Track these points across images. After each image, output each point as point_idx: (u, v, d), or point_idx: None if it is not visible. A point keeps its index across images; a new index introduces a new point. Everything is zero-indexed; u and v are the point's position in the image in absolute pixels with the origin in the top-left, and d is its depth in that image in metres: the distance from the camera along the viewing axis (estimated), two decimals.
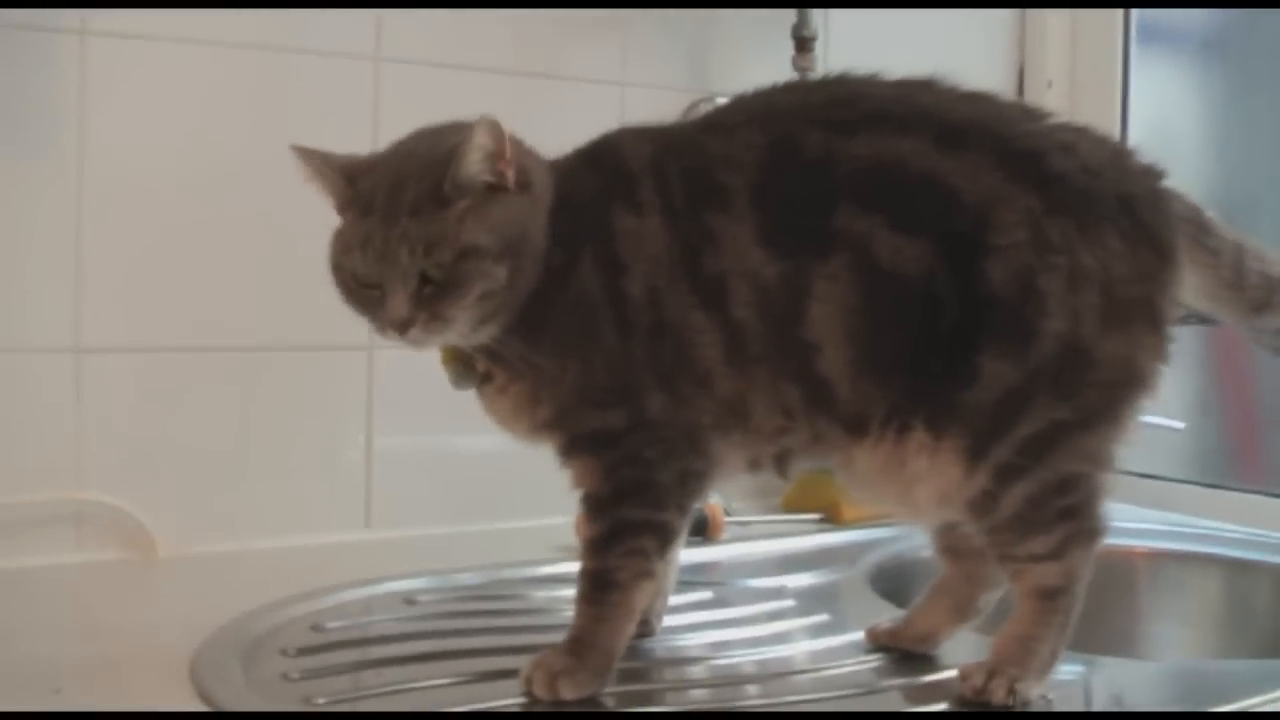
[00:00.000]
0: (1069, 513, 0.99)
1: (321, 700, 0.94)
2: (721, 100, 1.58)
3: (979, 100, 1.04)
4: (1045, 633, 1.00)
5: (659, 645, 1.12)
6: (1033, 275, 0.95)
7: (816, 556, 1.42)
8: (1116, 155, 1.01)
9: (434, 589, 1.24)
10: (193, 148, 1.32)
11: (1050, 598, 0.99)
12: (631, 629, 1.01)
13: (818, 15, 1.63)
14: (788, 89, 1.07)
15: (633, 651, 1.09)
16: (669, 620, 1.15)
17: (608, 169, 1.03)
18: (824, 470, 1.53)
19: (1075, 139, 1.01)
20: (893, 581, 1.39)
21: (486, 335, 0.97)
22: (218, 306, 1.34)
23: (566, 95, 1.50)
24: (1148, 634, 1.54)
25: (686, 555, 1.18)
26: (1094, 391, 0.97)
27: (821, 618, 1.21)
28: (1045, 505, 0.98)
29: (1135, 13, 1.84)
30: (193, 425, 1.34)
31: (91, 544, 1.28)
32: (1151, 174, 1.01)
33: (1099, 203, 0.97)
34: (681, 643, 1.13)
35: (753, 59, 1.62)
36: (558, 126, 1.40)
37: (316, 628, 1.11)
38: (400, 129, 1.38)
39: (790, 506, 1.60)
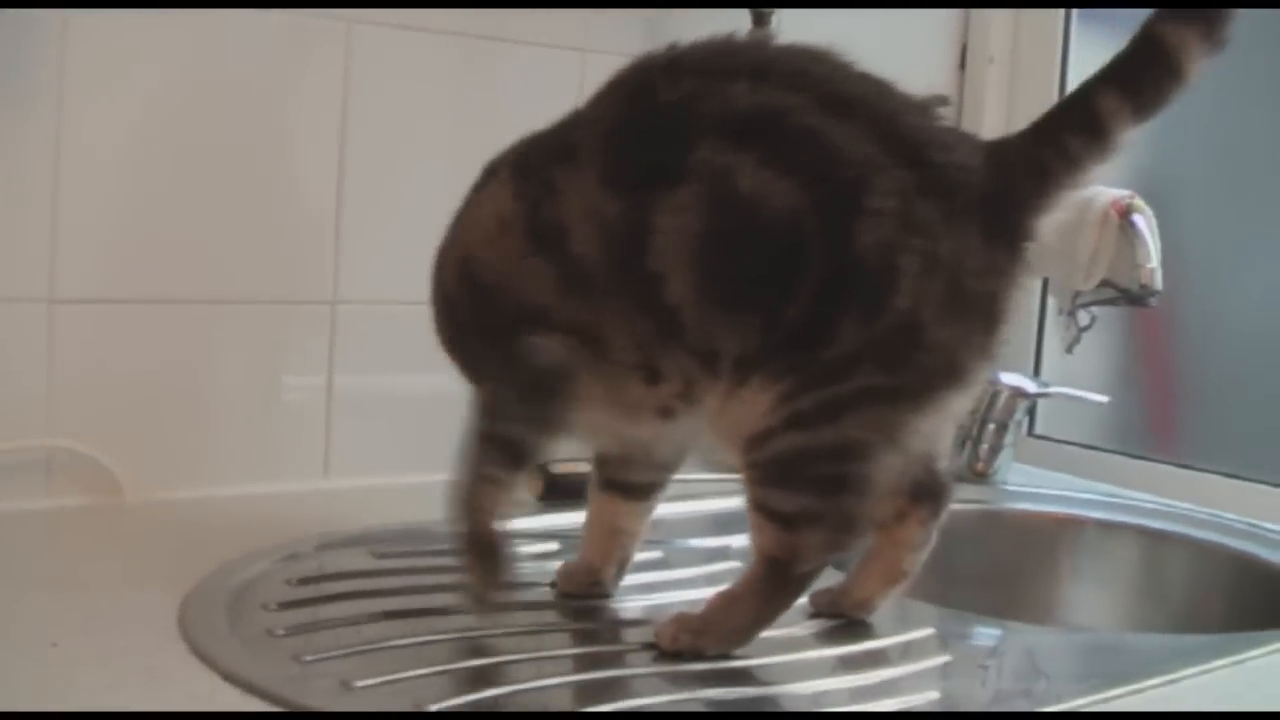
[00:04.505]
0: (822, 484, 1.00)
1: (309, 657, 0.98)
2: None
3: (873, 82, 1.05)
4: (750, 600, 1.03)
5: (614, 606, 1.17)
6: (894, 252, 0.97)
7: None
8: (990, 158, 1.02)
9: (398, 537, 1.29)
10: (164, 105, 1.35)
11: (770, 567, 1.02)
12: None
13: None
14: (672, 50, 1.07)
15: (587, 612, 1.15)
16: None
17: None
18: None
19: (955, 140, 1.03)
20: None
21: None
22: (186, 260, 1.37)
23: (526, 60, 1.53)
24: (1065, 599, 1.62)
25: None
26: (913, 372, 0.98)
27: None
28: (803, 465, 0.99)
29: None
30: (161, 376, 1.37)
31: (61, 490, 1.31)
32: (1022, 179, 1.01)
33: (966, 195, 0.98)
34: (632, 604, 1.17)
35: (711, 27, 1.65)
36: (518, 93, 1.44)
37: (290, 581, 1.14)
38: (375, 92, 1.42)
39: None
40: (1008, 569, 1.61)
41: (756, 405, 1.00)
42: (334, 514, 1.35)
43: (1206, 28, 0.98)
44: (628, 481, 1.17)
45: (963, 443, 1.72)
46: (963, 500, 1.62)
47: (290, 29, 1.40)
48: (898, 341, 0.97)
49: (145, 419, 1.36)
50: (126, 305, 1.34)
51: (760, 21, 1.63)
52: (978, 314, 0.99)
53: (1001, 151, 1.03)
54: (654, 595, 1.19)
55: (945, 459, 1.13)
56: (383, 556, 1.25)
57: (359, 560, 1.23)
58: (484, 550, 1.07)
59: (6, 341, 1.29)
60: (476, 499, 1.07)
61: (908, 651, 1.11)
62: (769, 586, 1.02)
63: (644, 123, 1.04)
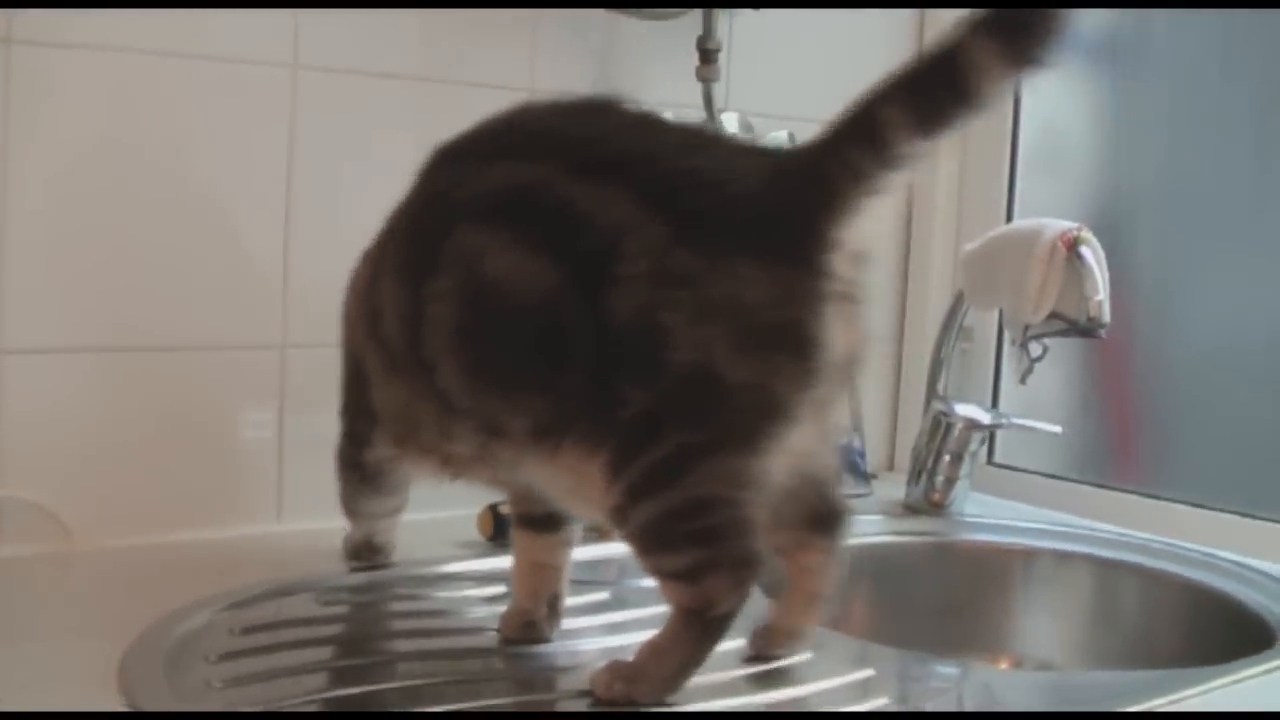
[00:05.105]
0: (700, 537, 0.99)
1: (244, 709, 0.98)
2: None
3: (650, 131, 1.06)
4: (676, 648, 1.03)
5: (559, 650, 1.16)
6: (654, 310, 0.96)
7: None
8: (774, 179, 1.00)
9: (345, 587, 1.29)
10: (111, 153, 1.36)
11: (687, 616, 1.02)
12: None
13: (723, 17, 1.68)
14: (477, 128, 1.11)
15: (530, 658, 1.15)
16: (568, 623, 1.19)
17: None
18: None
19: (731, 172, 1.00)
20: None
21: None
22: (134, 308, 1.38)
23: (476, 101, 1.53)
24: (1019, 630, 1.62)
25: (580, 554, 1.21)
26: (728, 416, 0.97)
27: None
28: (672, 527, 0.99)
29: None
30: (109, 423, 1.37)
31: (10, 539, 1.32)
32: (807, 196, 0.98)
33: (733, 232, 0.96)
34: (582, 647, 1.17)
35: (660, 66, 1.67)
36: None
37: (233, 630, 1.14)
38: (317, 134, 1.43)
39: None
40: (961, 600, 1.62)
41: (592, 479, 1.00)
42: (286, 558, 1.36)
43: (1014, 46, 0.92)
44: (532, 515, 1.17)
45: (918, 474, 1.73)
46: (917, 532, 1.66)
47: (235, 74, 1.41)
48: (693, 395, 0.96)
49: (95, 467, 1.37)
50: (73, 355, 1.35)
51: (707, 59, 1.64)
52: (779, 345, 0.96)
53: (786, 169, 1.02)
54: (601, 639, 1.19)
55: (837, 483, 1.13)
56: (329, 604, 1.25)
57: (306, 607, 1.23)
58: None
59: None
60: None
61: (843, 693, 1.10)
62: (691, 634, 1.02)
63: (421, 211, 1.10)
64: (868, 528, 1.65)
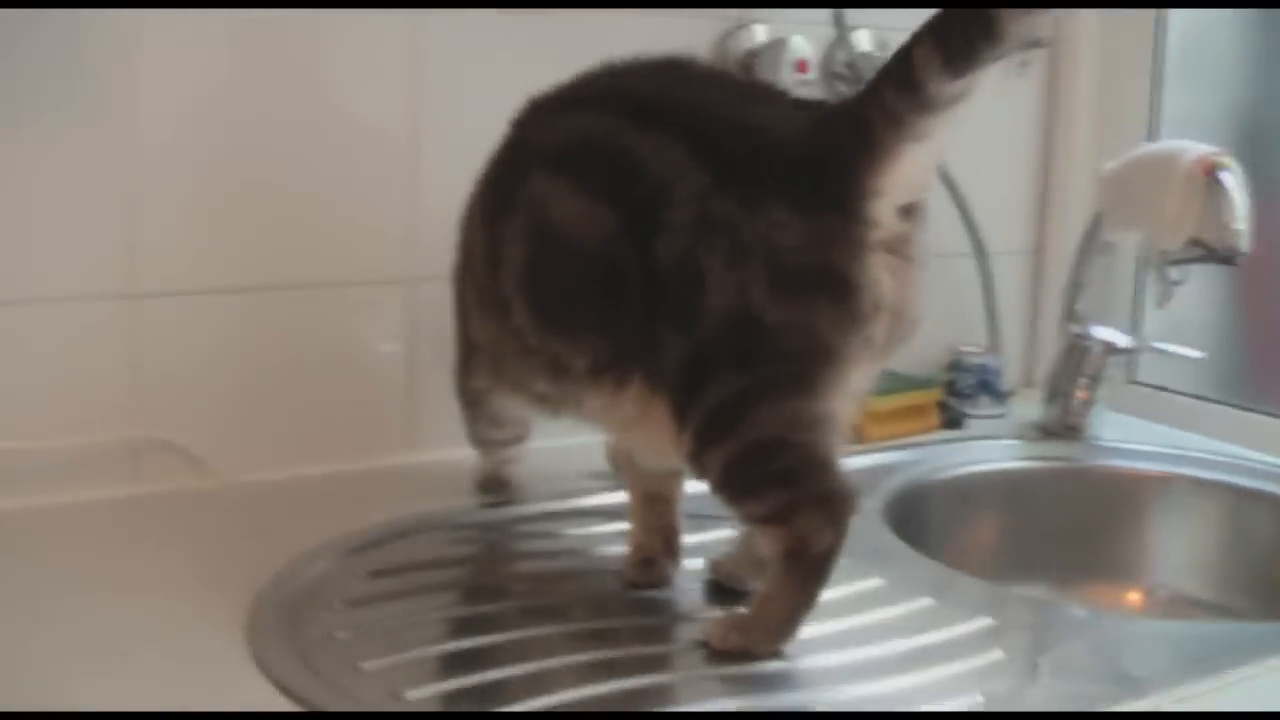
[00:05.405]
0: (777, 478, 1.02)
1: (365, 664, 1.01)
2: (758, 27, 1.62)
3: (709, 83, 1.12)
4: (784, 594, 1.04)
5: (680, 598, 1.17)
6: (694, 254, 0.99)
7: None
8: (818, 126, 1.02)
9: (474, 524, 1.32)
10: (238, 93, 1.38)
11: (786, 559, 1.03)
12: None
13: None
14: (565, 82, 1.15)
15: (651, 608, 1.16)
16: (690, 564, 1.20)
17: None
18: None
19: (775, 120, 1.03)
20: (908, 509, 1.44)
21: None
22: (263, 248, 1.41)
23: (606, 28, 1.51)
24: (1150, 559, 1.60)
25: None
26: (774, 359, 0.99)
27: None
28: (746, 470, 1.02)
29: None
30: (242, 361, 1.41)
31: (148, 477, 1.36)
32: (846, 141, 0.99)
33: (770, 178, 0.99)
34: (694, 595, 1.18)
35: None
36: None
37: (360, 574, 1.17)
38: (443, 67, 1.43)
39: None
40: (1093, 527, 1.59)
41: (660, 425, 1.04)
42: (417, 491, 1.39)
43: None
44: None
45: (1054, 396, 1.70)
46: (1049, 457, 1.63)
47: (353, 33, 1.42)
48: (737, 338, 0.99)
49: (229, 404, 1.40)
50: (204, 296, 1.38)
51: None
52: (816, 288, 0.98)
53: (828, 118, 1.03)
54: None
55: None
56: (456, 543, 1.28)
57: (433, 548, 1.25)
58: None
59: (90, 338, 1.33)
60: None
61: (962, 644, 1.10)
62: (794, 578, 1.03)
63: (505, 157, 1.16)
64: (999, 452, 1.65)
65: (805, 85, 1.61)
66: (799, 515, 1.01)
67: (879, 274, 0.98)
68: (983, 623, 1.14)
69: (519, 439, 1.35)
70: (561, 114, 1.13)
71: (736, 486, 1.04)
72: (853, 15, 1.66)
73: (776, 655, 1.04)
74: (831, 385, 1.00)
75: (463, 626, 1.10)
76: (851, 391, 1.03)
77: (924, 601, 1.17)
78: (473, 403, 1.30)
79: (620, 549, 1.23)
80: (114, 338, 1.34)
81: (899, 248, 1.00)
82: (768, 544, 1.04)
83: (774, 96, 1.11)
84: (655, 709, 0.98)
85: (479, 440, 1.35)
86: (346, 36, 1.42)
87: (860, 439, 1.59)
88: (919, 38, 0.96)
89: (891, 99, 0.96)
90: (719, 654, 1.05)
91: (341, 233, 1.44)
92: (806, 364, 0.99)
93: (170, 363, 1.37)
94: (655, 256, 1.01)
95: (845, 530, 1.02)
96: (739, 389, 1.00)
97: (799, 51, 1.62)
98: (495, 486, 1.37)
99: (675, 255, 1.00)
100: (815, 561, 1.02)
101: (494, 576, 1.23)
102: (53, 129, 1.29)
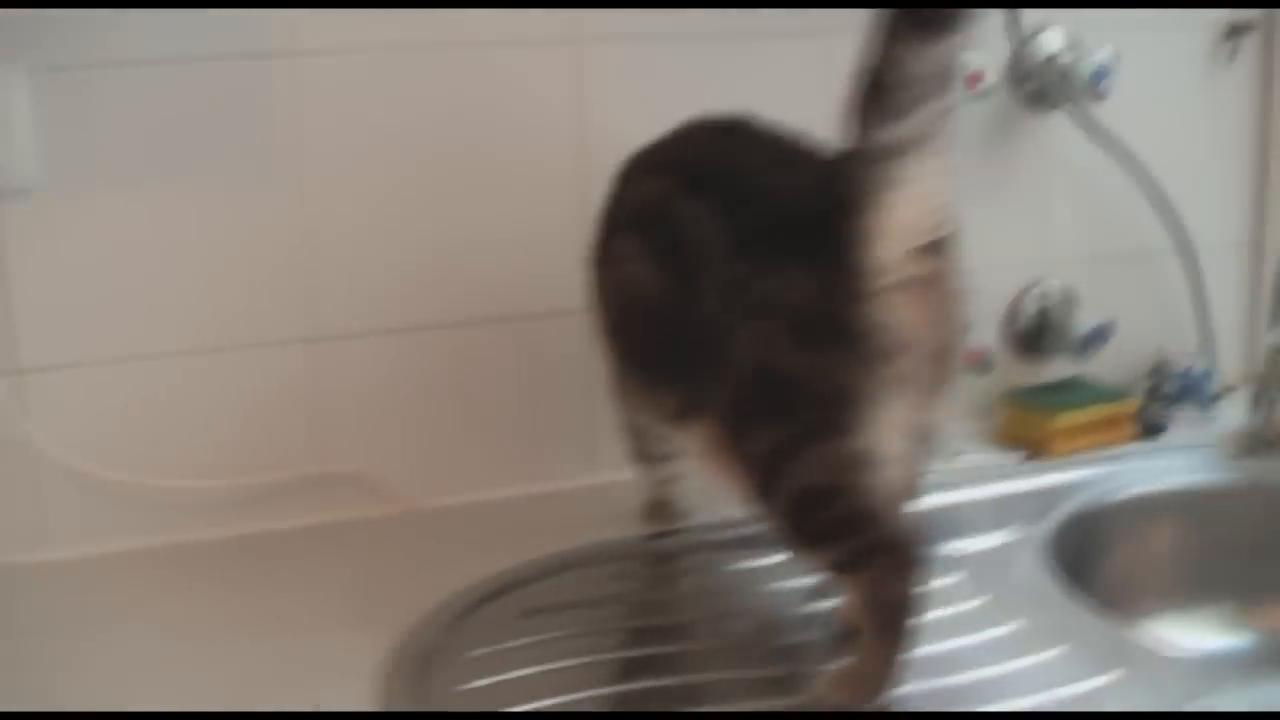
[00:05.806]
0: (841, 524, 1.05)
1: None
2: None
3: (750, 147, 1.16)
4: (877, 644, 1.06)
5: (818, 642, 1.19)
6: (723, 313, 1.06)
7: (1002, 508, 1.43)
8: (821, 184, 1.05)
9: (636, 555, 1.37)
10: (404, 138, 1.44)
11: (871, 608, 1.05)
12: None
13: None
14: (655, 140, 1.25)
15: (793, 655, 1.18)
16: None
17: None
18: (1033, 404, 1.57)
19: (800, 180, 1.08)
20: (1081, 537, 1.42)
21: None
22: (433, 287, 1.47)
23: (763, 55, 1.54)
24: None
25: None
26: (805, 407, 1.03)
27: (975, 603, 1.26)
28: (807, 518, 1.06)
29: None
30: (419, 394, 1.48)
31: (328, 508, 1.45)
32: (855, 193, 1.01)
33: (780, 238, 1.04)
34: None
35: None
36: (762, 87, 1.43)
37: (511, 614, 1.23)
38: (611, 121, 1.45)
39: (1001, 440, 1.62)
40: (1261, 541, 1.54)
41: (728, 475, 1.10)
42: (589, 517, 1.43)
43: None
44: None
45: (1259, 402, 1.64)
46: (1241, 469, 1.58)
47: (520, 51, 1.46)
48: (768, 389, 1.04)
49: (409, 436, 1.48)
50: (378, 337, 1.46)
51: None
52: (828, 336, 1.02)
53: (826, 175, 1.05)
54: None
55: None
56: (618, 578, 1.32)
57: (593, 584, 1.30)
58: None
59: (271, 381, 1.43)
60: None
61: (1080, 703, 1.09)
62: (881, 623, 1.05)
63: (605, 211, 1.26)
64: (1190, 466, 1.57)
65: (982, 98, 1.59)
66: (870, 563, 1.05)
67: (898, 314, 1.01)
68: (1113, 675, 1.12)
69: (668, 455, 1.38)
70: (643, 175, 1.23)
71: (801, 536, 1.08)
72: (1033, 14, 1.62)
73: (879, 708, 1.06)
74: (866, 424, 1.02)
75: (610, 674, 1.15)
76: (904, 428, 1.05)
77: (1057, 650, 1.16)
78: (620, 420, 1.37)
79: (778, 584, 1.28)
80: (297, 378, 1.44)
81: (922, 286, 1.02)
82: (850, 593, 1.09)
83: (806, 158, 1.12)
84: None
85: (633, 457, 1.39)
86: (510, 76, 1.46)
87: (1046, 454, 1.57)
88: (857, 91, 0.99)
89: (859, 150, 1.00)
90: (828, 708, 1.07)
91: (516, 266, 1.49)
92: (835, 407, 1.02)
93: (350, 398, 1.45)
94: (699, 317, 1.08)
95: (916, 578, 1.04)
96: (778, 438, 1.05)
97: (969, 64, 1.58)
98: (660, 512, 1.41)
99: (712, 315, 1.07)
100: (892, 611, 1.05)
101: (645, 621, 1.26)
102: (231, 187, 1.38)
